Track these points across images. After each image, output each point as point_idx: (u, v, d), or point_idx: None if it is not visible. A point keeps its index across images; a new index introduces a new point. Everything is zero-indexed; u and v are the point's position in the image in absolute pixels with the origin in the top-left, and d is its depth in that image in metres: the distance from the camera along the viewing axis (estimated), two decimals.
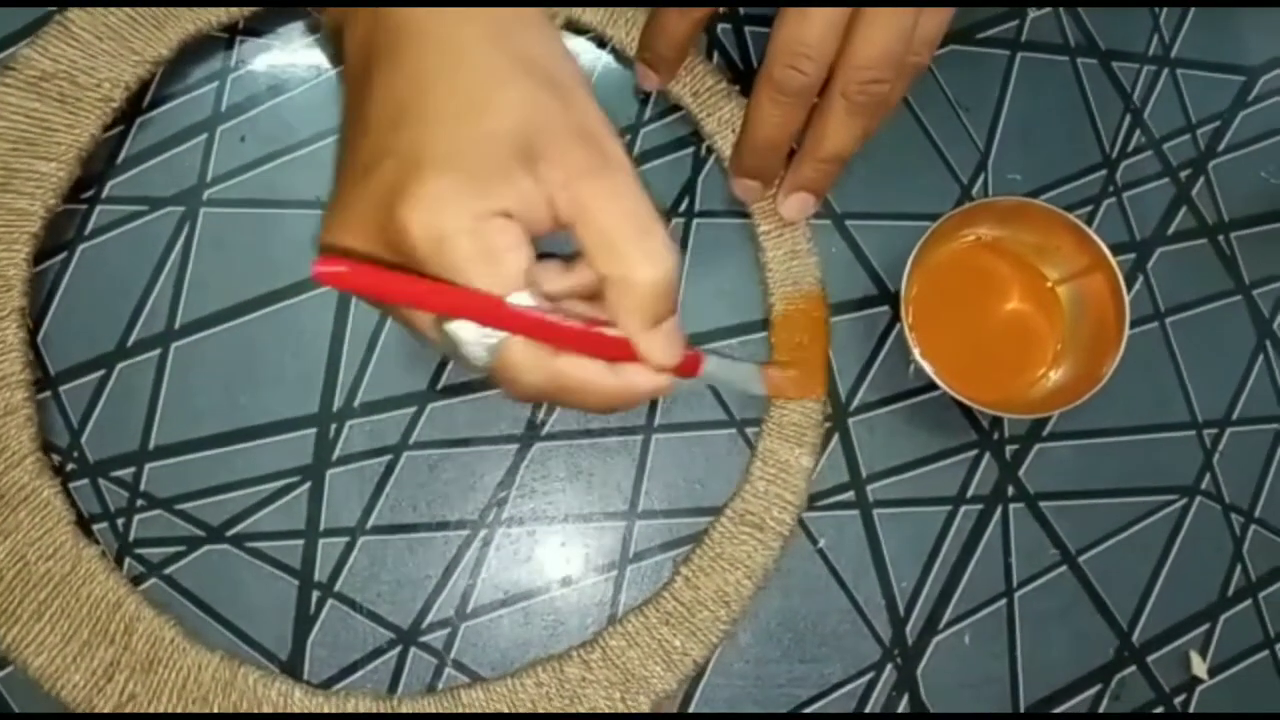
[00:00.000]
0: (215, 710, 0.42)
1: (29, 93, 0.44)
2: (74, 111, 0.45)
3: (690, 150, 0.50)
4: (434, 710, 0.43)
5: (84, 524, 0.44)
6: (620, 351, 0.33)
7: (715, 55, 0.51)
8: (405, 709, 0.43)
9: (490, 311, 0.31)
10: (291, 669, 0.44)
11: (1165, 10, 0.54)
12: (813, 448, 0.47)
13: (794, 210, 0.47)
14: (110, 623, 0.42)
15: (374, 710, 0.43)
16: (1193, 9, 0.54)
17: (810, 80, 0.40)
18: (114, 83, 0.45)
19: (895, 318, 0.49)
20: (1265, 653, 0.49)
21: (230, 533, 0.45)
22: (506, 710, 0.43)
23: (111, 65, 0.45)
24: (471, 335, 0.31)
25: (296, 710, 0.42)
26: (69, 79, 0.45)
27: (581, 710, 0.44)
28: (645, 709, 0.44)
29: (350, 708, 0.42)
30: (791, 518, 0.46)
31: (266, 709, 0.42)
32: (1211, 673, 0.49)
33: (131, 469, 0.45)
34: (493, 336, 0.31)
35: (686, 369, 0.38)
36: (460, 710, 0.43)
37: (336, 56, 0.47)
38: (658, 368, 0.34)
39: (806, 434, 0.47)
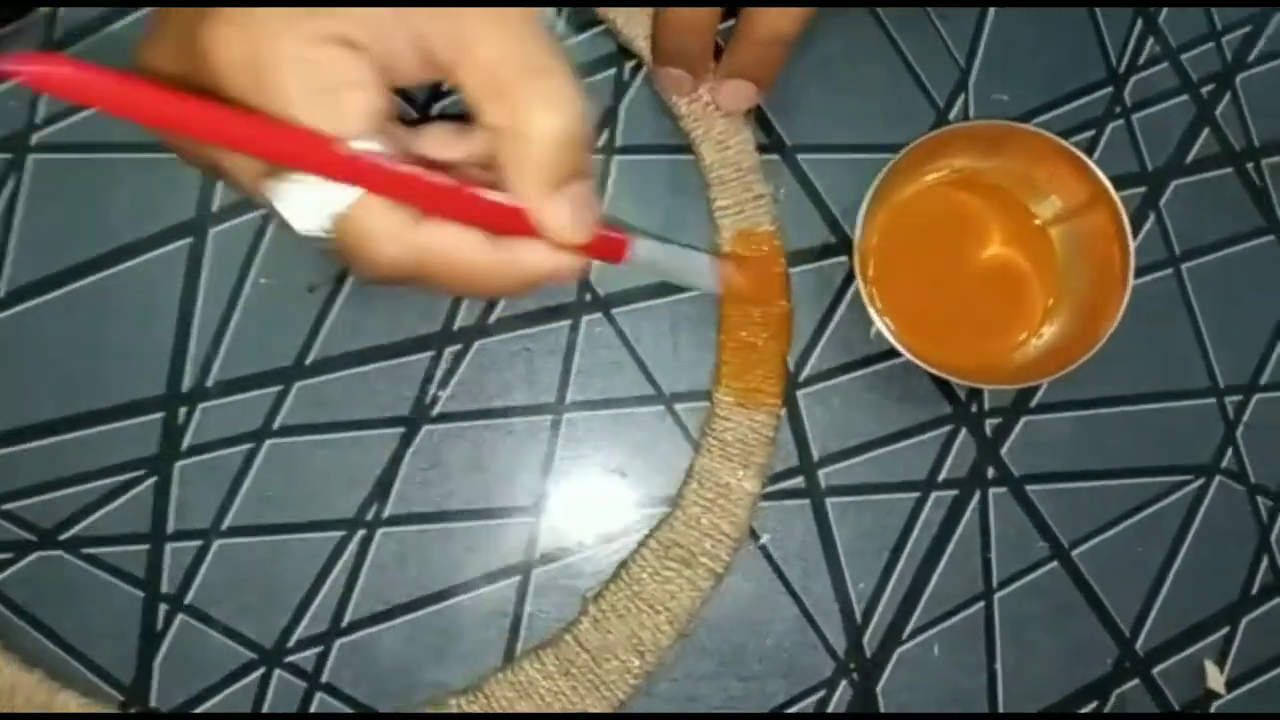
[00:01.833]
0: None
1: None
2: None
3: (611, 72, 0.42)
4: None
5: None
6: (514, 223, 0.28)
7: None
8: None
9: (322, 156, 0.24)
10: (136, 695, 0.38)
11: None
12: (760, 470, 0.40)
13: (730, 98, 0.40)
14: None
15: None
16: None
17: None
18: None
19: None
20: None
21: (64, 536, 0.39)
22: None
23: None
24: (307, 198, 0.25)
25: None
26: None
27: None
28: None
29: None
30: (728, 553, 0.39)
31: None
32: (1230, 685, 0.41)
33: None
34: (335, 202, 0.25)
35: (606, 250, 0.32)
36: None
37: None
38: (560, 242, 0.29)
39: (754, 453, 0.40)
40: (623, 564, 0.40)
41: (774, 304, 0.41)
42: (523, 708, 0.37)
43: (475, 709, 0.37)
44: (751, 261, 0.40)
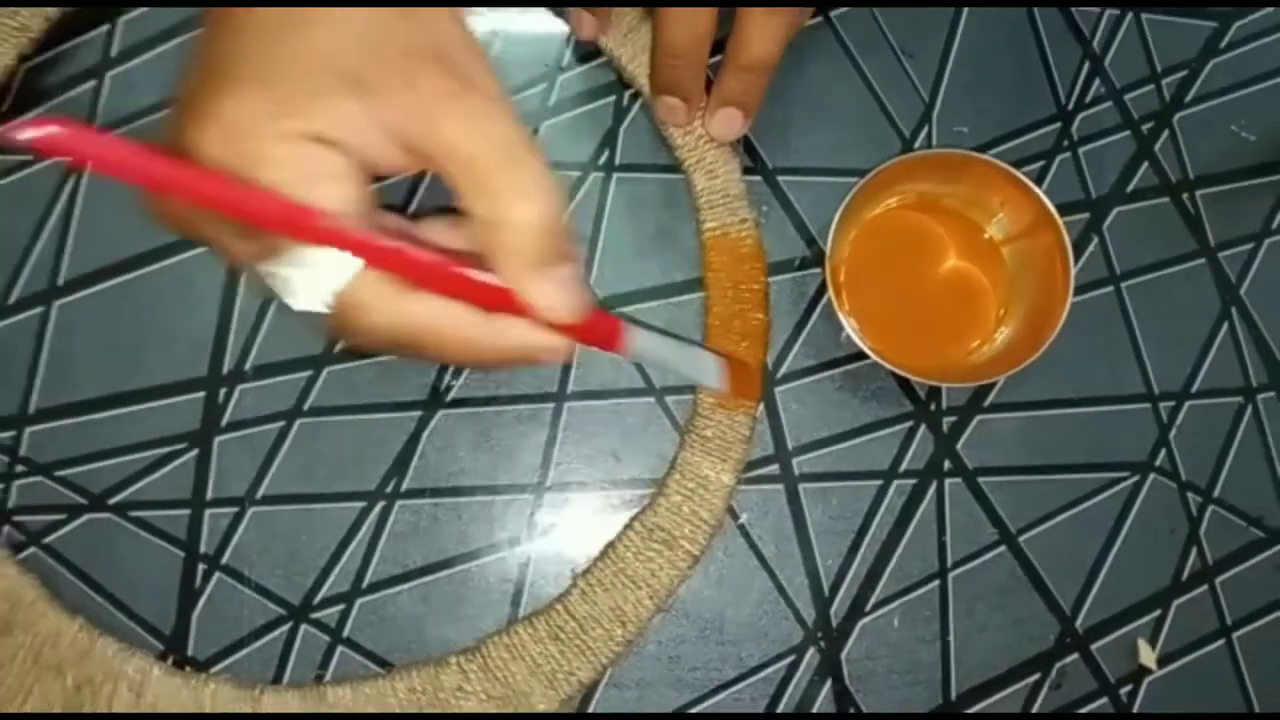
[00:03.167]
0: (68, 679, 0.39)
1: None
2: None
3: (611, 99, 0.47)
4: (296, 708, 0.40)
5: None
6: (503, 302, 0.30)
7: None
8: (267, 704, 0.40)
9: (316, 227, 0.26)
10: (174, 644, 0.42)
11: None
12: (736, 464, 0.44)
13: (722, 127, 0.45)
14: None
15: (232, 708, 0.40)
16: None
17: None
18: (33, 11, 0.43)
19: None
20: (1220, 642, 0.46)
21: (113, 501, 0.43)
22: (375, 711, 0.41)
23: None
24: (305, 279, 0.27)
25: (151, 689, 0.40)
26: None
27: None
28: None
29: (208, 695, 0.40)
30: (705, 538, 0.43)
31: (122, 684, 0.40)
32: (1161, 662, 0.45)
33: (11, 433, 0.43)
34: (333, 281, 0.27)
35: (600, 335, 0.34)
36: (325, 710, 0.40)
37: None
38: (548, 320, 0.30)
39: (732, 449, 0.44)
40: (610, 544, 0.44)
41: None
42: (515, 668, 0.41)
43: (473, 667, 0.41)
44: (738, 365, 0.43)
